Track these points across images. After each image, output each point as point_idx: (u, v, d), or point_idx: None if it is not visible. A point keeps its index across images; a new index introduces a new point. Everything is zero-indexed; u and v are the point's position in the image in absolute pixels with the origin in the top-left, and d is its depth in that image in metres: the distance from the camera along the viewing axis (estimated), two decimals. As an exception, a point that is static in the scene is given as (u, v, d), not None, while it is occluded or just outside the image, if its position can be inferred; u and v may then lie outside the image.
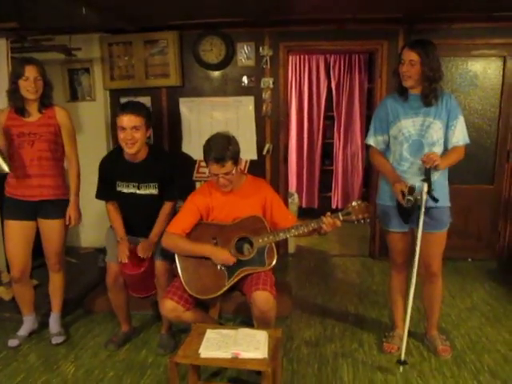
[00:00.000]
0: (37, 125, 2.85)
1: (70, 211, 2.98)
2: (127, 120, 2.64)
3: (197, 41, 4.33)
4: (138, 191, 2.84)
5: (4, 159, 2.72)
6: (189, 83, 4.50)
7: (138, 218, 2.91)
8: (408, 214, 2.62)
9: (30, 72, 2.75)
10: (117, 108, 2.81)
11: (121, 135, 2.68)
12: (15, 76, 2.79)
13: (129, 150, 2.72)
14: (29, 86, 2.76)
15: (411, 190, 2.54)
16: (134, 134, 2.66)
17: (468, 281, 4.09)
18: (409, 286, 2.67)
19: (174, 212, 2.92)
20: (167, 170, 2.84)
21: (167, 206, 2.87)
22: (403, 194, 2.55)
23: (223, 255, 2.51)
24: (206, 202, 2.62)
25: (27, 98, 2.80)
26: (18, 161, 2.85)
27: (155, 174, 2.81)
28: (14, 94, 2.82)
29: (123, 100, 4.50)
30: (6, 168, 2.73)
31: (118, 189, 2.87)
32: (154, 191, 2.84)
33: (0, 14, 3.33)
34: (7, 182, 2.94)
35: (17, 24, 3.26)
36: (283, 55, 4.34)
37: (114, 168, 2.85)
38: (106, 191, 2.91)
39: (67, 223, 2.99)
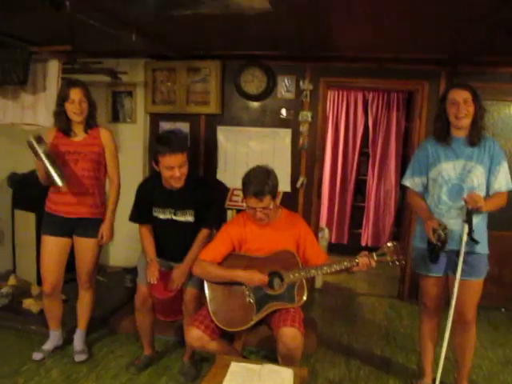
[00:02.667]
0: (82, 144, 2.94)
1: (104, 229, 3.02)
2: (175, 160, 2.62)
3: (239, 71, 4.42)
4: (174, 217, 2.86)
5: (58, 173, 2.75)
6: (228, 112, 4.57)
7: (172, 244, 2.92)
8: (435, 251, 2.55)
9: (75, 95, 2.85)
10: (157, 145, 2.69)
11: (167, 173, 2.67)
12: (61, 99, 2.89)
13: (177, 185, 2.74)
14: (74, 108, 2.86)
15: (443, 226, 2.49)
16: (181, 170, 2.68)
17: (501, 332, 3.93)
18: (442, 333, 2.58)
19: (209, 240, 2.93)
20: (205, 197, 2.84)
21: (204, 233, 2.87)
22: (434, 231, 2.49)
23: (257, 276, 2.47)
24: (240, 232, 2.62)
25: (73, 120, 2.90)
26: (65, 176, 2.91)
27: (192, 202, 2.82)
28: (60, 116, 2.92)
29: (163, 125, 4.63)
30: (58, 182, 2.75)
31: (155, 214, 2.89)
32: (191, 218, 2.85)
33: (55, 38, 3.49)
34: (48, 197, 3.03)
35: (70, 47, 3.40)
36: (323, 90, 4.38)
37: (151, 194, 2.88)
38: (140, 215, 2.94)
39: (99, 239, 3.03)
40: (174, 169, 2.65)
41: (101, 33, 3.25)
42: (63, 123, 2.92)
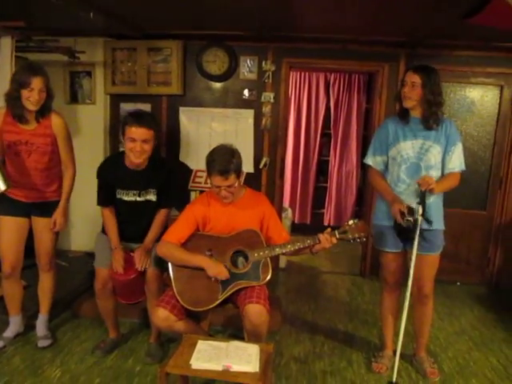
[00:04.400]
0: (33, 134, 2.81)
1: (57, 215, 2.94)
2: (140, 133, 2.64)
3: (201, 51, 4.37)
4: (138, 198, 2.84)
5: (2, 175, 2.64)
6: (190, 93, 4.52)
7: (134, 225, 2.90)
8: (406, 234, 2.65)
9: (36, 84, 2.69)
10: (127, 116, 2.74)
11: (129, 145, 2.68)
12: (19, 84, 2.69)
13: (135, 160, 2.72)
14: (32, 97, 2.69)
15: (411, 210, 2.57)
16: (143, 146, 2.67)
17: (456, 304, 4.12)
18: (401, 306, 2.69)
19: (167, 220, 2.92)
20: (166, 177, 2.85)
21: (162, 213, 2.88)
22: (402, 215, 2.57)
23: (217, 269, 2.49)
24: (204, 211, 2.62)
25: (27, 108, 2.74)
26: (13, 166, 2.84)
27: (155, 181, 2.82)
28: (14, 100, 2.74)
29: (125, 106, 4.53)
30: (1, 186, 2.63)
31: (118, 196, 2.86)
32: (153, 197, 2.85)
33: (8, 13, 3.34)
34: None
35: (24, 23, 3.26)
36: (285, 71, 4.39)
37: (114, 175, 2.83)
38: (107, 198, 2.89)
39: (51, 227, 2.95)
40: (136, 142, 2.66)
41: (57, 9, 3.13)
42: (17, 109, 2.75)
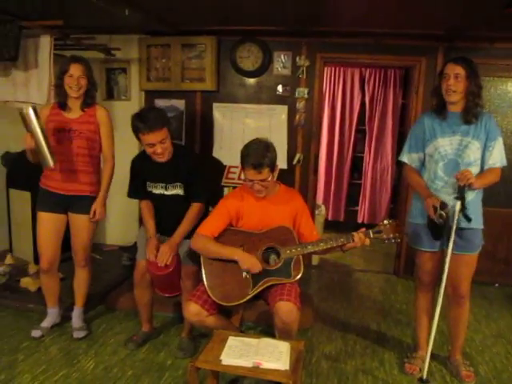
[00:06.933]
0: (77, 122, 2.92)
1: (96, 205, 3.00)
2: (155, 137, 2.65)
3: (234, 47, 4.37)
4: (165, 192, 2.87)
5: (50, 152, 2.72)
6: (224, 89, 4.52)
7: (166, 219, 2.93)
8: (439, 230, 2.57)
9: (75, 70, 2.83)
10: (135, 122, 2.66)
11: (150, 150, 2.71)
12: (61, 72, 2.87)
13: (161, 160, 2.76)
14: (72, 83, 2.84)
15: (443, 205, 2.50)
16: (163, 146, 2.70)
17: (494, 306, 3.99)
18: (435, 306, 2.63)
19: (199, 216, 2.92)
20: (192, 169, 2.84)
21: (194, 208, 2.86)
22: (435, 209, 2.50)
23: (251, 261, 2.47)
24: (238, 206, 2.61)
25: (69, 94, 2.88)
26: (55, 155, 2.90)
27: (181, 174, 2.83)
28: (57, 88, 2.92)
29: (159, 102, 4.58)
30: (50, 162, 2.73)
31: (149, 189, 2.91)
32: (180, 191, 2.86)
33: (46, 12, 3.42)
34: (44, 173, 3.01)
35: (62, 22, 3.33)
36: (319, 66, 4.34)
37: (143, 168, 2.88)
38: (137, 190, 2.95)
39: (91, 217, 3.01)
40: (156, 145, 2.68)
41: (93, 7, 3.18)
42: (60, 97, 2.91)
